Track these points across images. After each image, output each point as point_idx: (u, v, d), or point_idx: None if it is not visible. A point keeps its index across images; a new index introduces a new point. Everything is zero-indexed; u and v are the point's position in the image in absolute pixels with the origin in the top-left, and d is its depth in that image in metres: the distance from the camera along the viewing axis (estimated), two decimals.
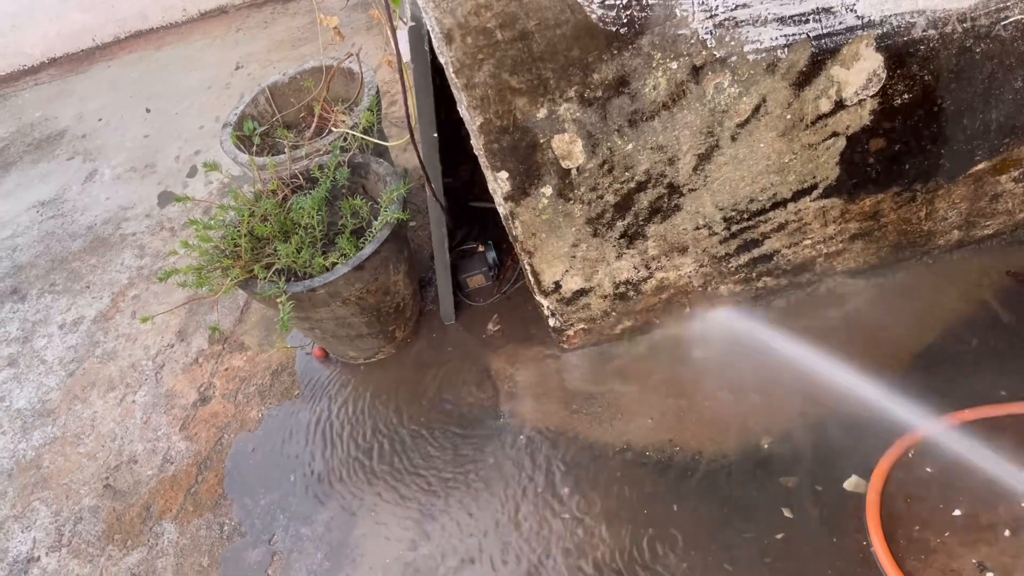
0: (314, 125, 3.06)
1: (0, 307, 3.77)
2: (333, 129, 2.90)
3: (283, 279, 2.43)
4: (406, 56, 2.18)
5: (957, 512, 1.92)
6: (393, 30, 1.91)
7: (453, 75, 1.85)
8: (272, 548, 2.44)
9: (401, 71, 2.09)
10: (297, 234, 2.54)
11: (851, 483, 2.03)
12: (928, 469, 2.01)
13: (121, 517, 2.69)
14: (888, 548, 1.87)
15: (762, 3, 1.80)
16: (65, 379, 3.29)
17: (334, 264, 2.47)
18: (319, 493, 2.53)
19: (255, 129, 3.09)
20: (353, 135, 2.76)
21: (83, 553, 2.63)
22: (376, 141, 2.78)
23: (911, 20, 1.88)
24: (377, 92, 3.02)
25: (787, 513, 2.04)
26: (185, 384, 3.07)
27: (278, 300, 2.36)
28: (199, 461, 2.77)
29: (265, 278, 2.45)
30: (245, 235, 2.51)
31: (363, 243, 2.51)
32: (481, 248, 2.93)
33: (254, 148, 3.03)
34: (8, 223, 4.37)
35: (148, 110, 5.00)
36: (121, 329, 3.43)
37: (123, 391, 3.14)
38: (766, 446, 2.19)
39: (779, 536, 2.02)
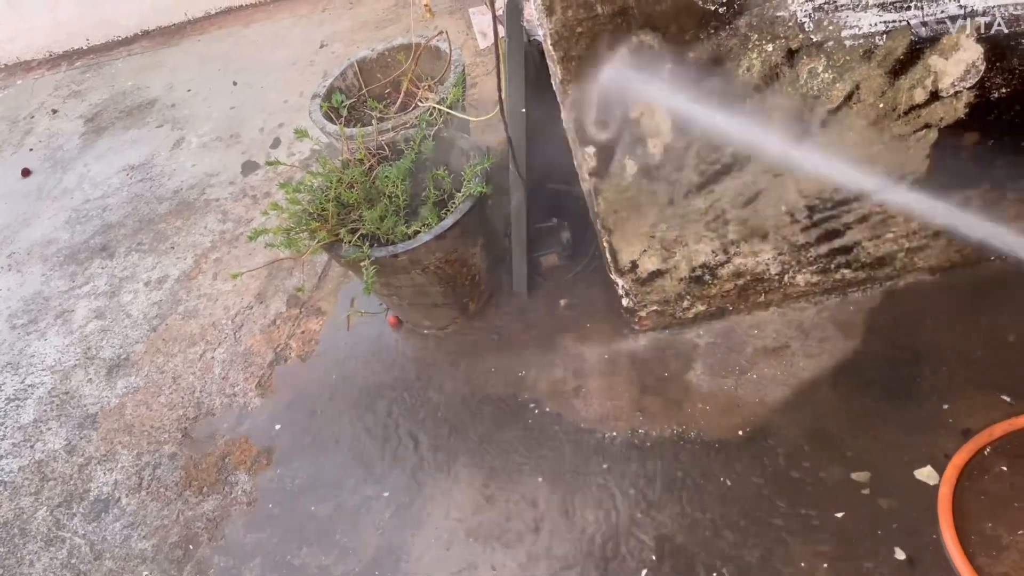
0: (400, 100, 3.13)
1: (90, 263, 3.95)
2: (419, 104, 2.97)
3: (367, 244, 2.50)
4: (502, 31, 2.23)
5: None
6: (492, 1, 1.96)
7: (550, 47, 1.89)
8: (340, 504, 2.52)
9: (497, 44, 2.14)
10: (382, 202, 2.62)
11: (924, 473, 2.02)
12: (1004, 467, 2.00)
13: (198, 465, 2.80)
14: (959, 541, 1.86)
15: None
16: (148, 333, 3.42)
17: (416, 232, 2.53)
18: (388, 456, 2.60)
19: (343, 101, 3.17)
20: (439, 109, 2.83)
21: (161, 497, 2.75)
22: (462, 116, 2.84)
23: (1015, 12, 1.86)
24: (463, 70, 3.08)
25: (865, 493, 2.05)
26: (262, 344, 3.18)
27: (362, 264, 2.44)
28: (274, 417, 2.87)
29: (350, 242, 2.52)
30: (332, 200, 2.59)
31: (444, 214, 2.57)
32: (556, 228, 2.96)
33: (341, 120, 3.11)
34: (100, 184, 4.56)
35: (235, 83, 5.15)
36: (203, 289, 3.55)
37: (203, 347, 3.26)
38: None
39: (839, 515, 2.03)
